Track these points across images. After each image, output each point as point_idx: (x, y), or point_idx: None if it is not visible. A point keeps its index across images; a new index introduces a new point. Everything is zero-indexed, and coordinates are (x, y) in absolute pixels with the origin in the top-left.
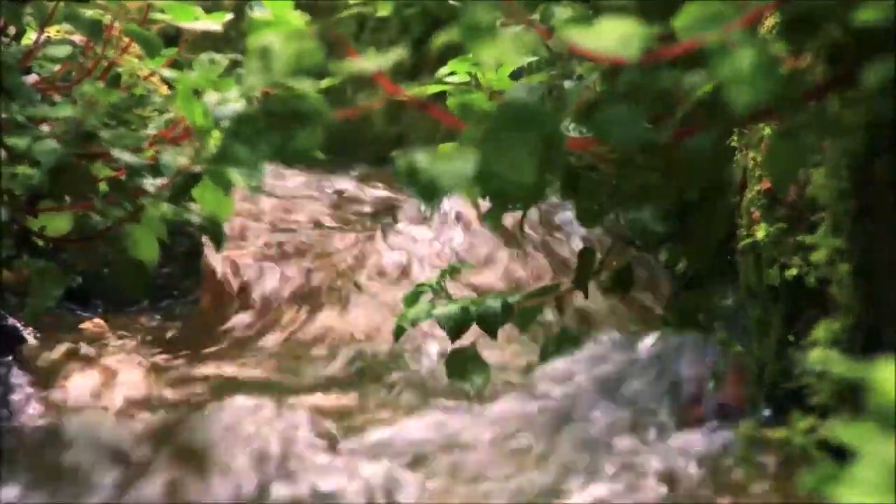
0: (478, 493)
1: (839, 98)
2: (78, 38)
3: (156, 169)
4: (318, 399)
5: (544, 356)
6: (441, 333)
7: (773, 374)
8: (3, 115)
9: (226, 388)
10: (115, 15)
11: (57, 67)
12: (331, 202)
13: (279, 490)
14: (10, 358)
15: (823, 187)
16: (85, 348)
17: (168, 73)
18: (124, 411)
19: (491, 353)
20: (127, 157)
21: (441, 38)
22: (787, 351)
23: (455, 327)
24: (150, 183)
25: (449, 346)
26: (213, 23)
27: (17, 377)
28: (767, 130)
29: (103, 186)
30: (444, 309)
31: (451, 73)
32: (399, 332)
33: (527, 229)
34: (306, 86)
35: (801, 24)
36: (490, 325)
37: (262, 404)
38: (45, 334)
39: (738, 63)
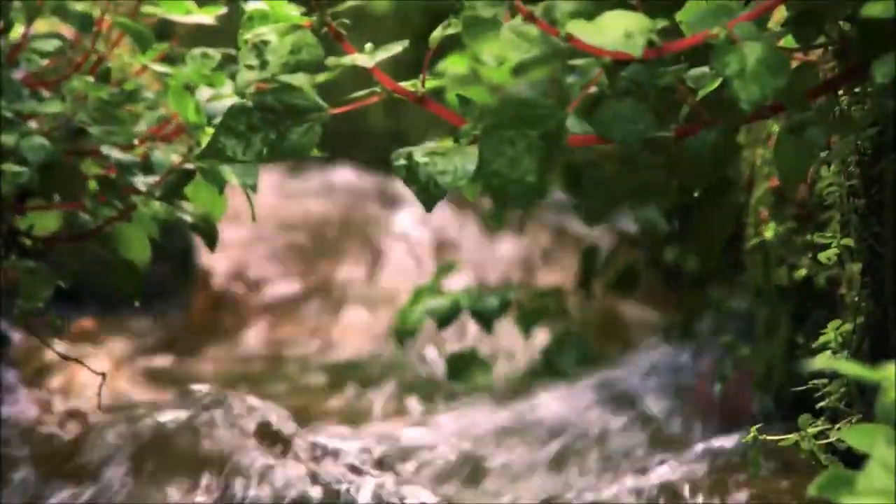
0: None
1: (848, 94)
2: (67, 31)
3: (147, 166)
4: (313, 401)
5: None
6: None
7: (781, 376)
8: None
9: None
10: (105, 8)
11: (45, 62)
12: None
13: (267, 492)
14: None
15: (832, 185)
16: (74, 350)
17: (160, 68)
18: (112, 413)
19: None
20: (117, 154)
21: (441, 33)
22: (795, 353)
23: (443, 319)
24: (142, 181)
25: None
26: (206, 16)
27: (5, 378)
28: (776, 127)
29: (93, 184)
30: (435, 303)
31: (452, 68)
32: (399, 338)
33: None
34: (302, 80)
35: (808, 18)
36: (486, 320)
37: (253, 406)
38: (34, 336)
39: (743, 58)
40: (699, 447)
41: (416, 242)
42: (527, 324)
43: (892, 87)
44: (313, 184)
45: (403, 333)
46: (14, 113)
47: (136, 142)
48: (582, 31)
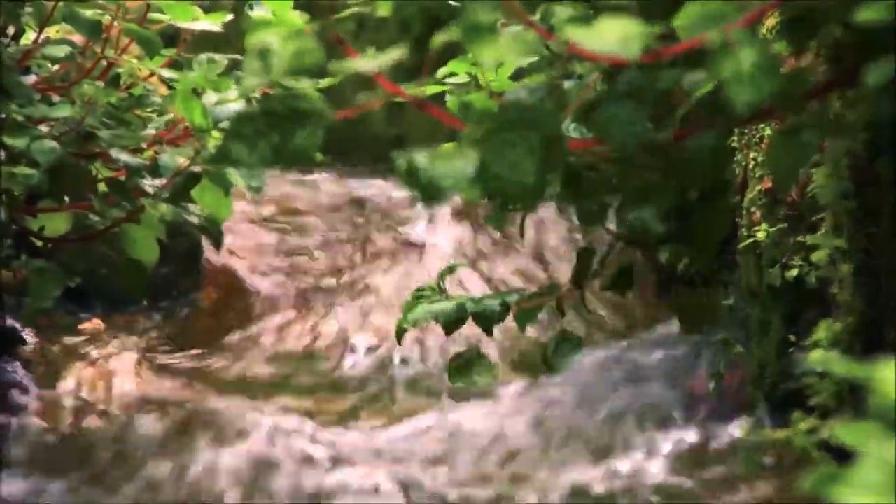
0: None
1: (840, 98)
2: (77, 38)
3: (155, 169)
4: (314, 401)
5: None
6: None
7: (773, 374)
8: (2, 115)
9: (224, 389)
10: (114, 15)
11: (56, 67)
12: None
13: (273, 491)
14: (10, 358)
15: (824, 187)
16: (83, 349)
17: (167, 73)
18: (121, 411)
19: None
20: (126, 157)
21: (441, 38)
22: (787, 351)
23: (450, 323)
24: (150, 183)
25: None
26: (212, 23)
27: (16, 377)
28: (768, 130)
29: (102, 186)
30: (441, 305)
31: (451, 73)
32: (400, 334)
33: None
34: (306, 85)
35: (801, 23)
36: (486, 323)
37: (257, 405)
38: (43, 335)
39: (739, 63)
40: (695, 441)
41: (424, 246)
42: (523, 321)
43: (887, 91)
44: (323, 188)
45: (404, 331)
46: (25, 117)
47: (144, 145)
48: (579, 36)
